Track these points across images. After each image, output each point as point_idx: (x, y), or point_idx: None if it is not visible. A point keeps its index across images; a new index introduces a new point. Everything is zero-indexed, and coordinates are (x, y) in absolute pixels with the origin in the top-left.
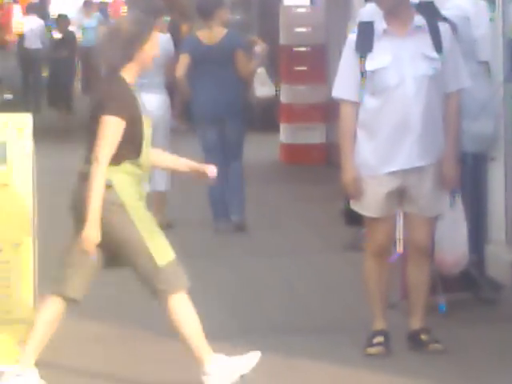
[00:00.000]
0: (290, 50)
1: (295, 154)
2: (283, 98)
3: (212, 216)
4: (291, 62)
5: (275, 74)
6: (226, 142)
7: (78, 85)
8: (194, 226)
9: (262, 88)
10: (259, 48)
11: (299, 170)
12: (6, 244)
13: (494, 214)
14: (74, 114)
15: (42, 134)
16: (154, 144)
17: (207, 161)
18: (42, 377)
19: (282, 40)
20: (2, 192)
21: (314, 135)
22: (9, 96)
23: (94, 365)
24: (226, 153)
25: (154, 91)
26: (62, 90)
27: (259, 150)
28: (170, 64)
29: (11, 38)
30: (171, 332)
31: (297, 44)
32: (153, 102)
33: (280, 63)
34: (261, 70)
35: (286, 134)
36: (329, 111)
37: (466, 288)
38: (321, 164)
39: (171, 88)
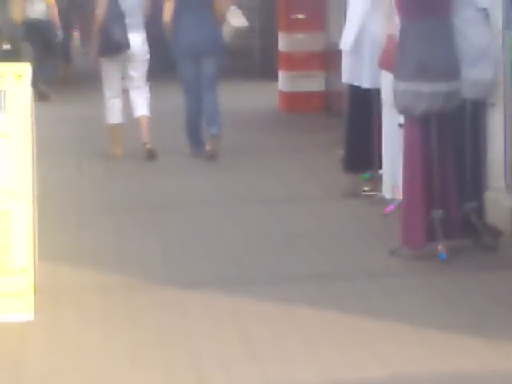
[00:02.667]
0: None
1: (294, 102)
2: (282, 47)
3: (188, 143)
4: (289, 10)
5: (273, 22)
6: (203, 76)
7: (76, 37)
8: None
9: (236, 20)
10: None
11: (298, 118)
12: (6, 194)
13: (494, 161)
14: (72, 65)
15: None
16: (137, 77)
17: (186, 92)
18: (40, 325)
19: None
20: (1, 141)
21: (313, 83)
22: (7, 46)
23: (93, 315)
24: (202, 85)
25: (136, 30)
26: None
27: (258, 98)
28: (147, 5)
29: None
30: (171, 281)
31: None
32: (135, 40)
33: (278, 11)
34: (234, 7)
35: (284, 82)
36: (328, 59)
37: (466, 235)
38: (320, 112)
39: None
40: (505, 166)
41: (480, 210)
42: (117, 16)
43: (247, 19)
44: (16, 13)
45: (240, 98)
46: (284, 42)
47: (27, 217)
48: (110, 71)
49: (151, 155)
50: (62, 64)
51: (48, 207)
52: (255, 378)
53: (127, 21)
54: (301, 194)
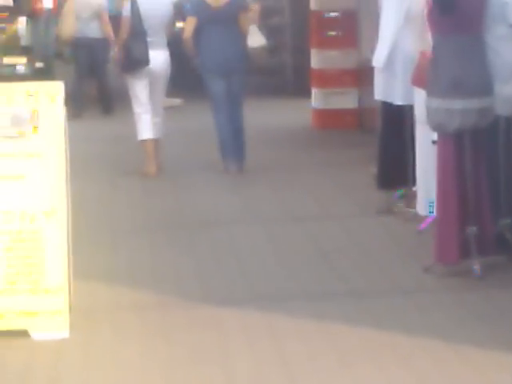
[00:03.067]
0: (320, 15)
1: (327, 120)
2: (314, 64)
3: (222, 158)
4: (322, 27)
5: (306, 39)
6: (230, 92)
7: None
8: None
9: (254, 39)
10: (253, 9)
11: (331, 135)
12: (40, 213)
13: None
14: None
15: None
16: (154, 95)
17: (216, 109)
18: (76, 343)
19: (313, 5)
20: (35, 161)
21: (346, 100)
22: (40, 64)
23: (129, 333)
24: (231, 102)
25: (159, 48)
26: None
27: (291, 115)
28: (170, 24)
29: (42, 5)
30: (206, 299)
31: (327, 9)
32: (158, 58)
33: (310, 28)
34: (253, 27)
35: (317, 99)
36: (360, 76)
37: (500, 251)
38: (353, 129)
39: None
40: None
41: None
42: (139, 34)
43: (280, 37)
44: (62, 31)
45: (273, 116)
46: (316, 59)
47: (62, 235)
48: (135, 88)
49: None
50: (93, 80)
51: (82, 226)
52: None
53: (150, 39)
54: (334, 210)
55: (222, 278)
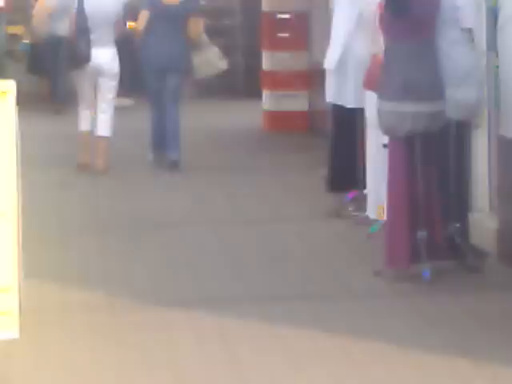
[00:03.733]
0: (272, 16)
1: (278, 122)
2: (265, 65)
3: (151, 150)
4: (273, 29)
5: (257, 40)
6: (167, 90)
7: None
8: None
9: (221, 62)
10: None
11: (282, 138)
12: None
13: (478, 182)
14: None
15: (24, 100)
16: (102, 93)
17: (151, 104)
18: (25, 344)
19: (264, 6)
20: None
21: (297, 102)
22: None
23: (79, 334)
24: (166, 99)
25: (105, 46)
26: (43, 56)
27: (242, 117)
28: (119, 23)
29: None
30: (156, 300)
31: (279, 10)
32: (103, 55)
33: (262, 30)
34: (216, 49)
35: (268, 101)
36: (311, 78)
37: (450, 256)
38: (303, 131)
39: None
40: (489, 187)
41: (464, 232)
42: (83, 31)
43: (231, 37)
44: (34, 28)
45: (223, 117)
46: (267, 61)
47: (12, 235)
48: (80, 84)
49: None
50: (44, 78)
51: (32, 225)
52: None
53: (95, 37)
54: (285, 213)
55: (172, 280)
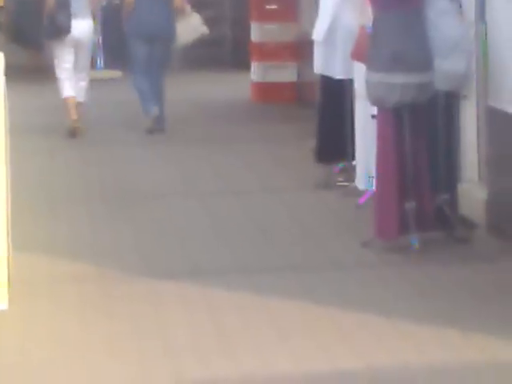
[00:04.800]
0: None
1: (266, 93)
2: (254, 37)
3: (144, 112)
4: (261, 0)
5: (245, 11)
6: (152, 58)
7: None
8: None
9: (203, 27)
10: None
11: (270, 109)
12: None
13: (467, 153)
14: (44, 53)
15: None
16: (79, 62)
17: (135, 71)
18: (14, 315)
19: None
20: None
21: (285, 74)
22: None
23: (68, 305)
24: (151, 68)
25: (82, 17)
26: (29, 26)
27: (231, 88)
28: None
29: None
30: (145, 271)
31: None
32: (81, 27)
33: (250, 1)
34: (197, 15)
35: (256, 72)
36: (300, 50)
37: (439, 227)
38: (292, 103)
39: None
40: (478, 157)
41: (453, 202)
42: (63, 4)
43: (219, 9)
44: None
45: (212, 89)
46: (256, 32)
47: (0, 207)
48: (58, 54)
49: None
50: (33, 51)
51: (22, 197)
52: (229, 369)
53: (73, 9)
54: (273, 184)
55: (160, 251)
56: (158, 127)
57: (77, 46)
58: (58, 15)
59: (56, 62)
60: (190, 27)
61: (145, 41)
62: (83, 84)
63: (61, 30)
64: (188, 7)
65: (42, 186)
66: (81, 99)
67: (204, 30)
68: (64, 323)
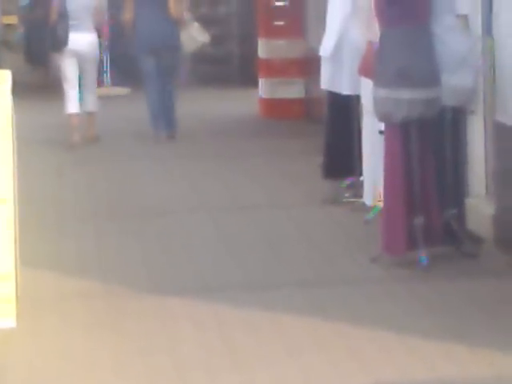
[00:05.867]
0: (268, 4)
1: (274, 109)
2: (261, 53)
3: (153, 129)
4: (269, 17)
5: (253, 28)
6: (161, 69)
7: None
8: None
9: (203, 36)
10: None
11: (278, 125)
12: None
13: (474, 168)
14: (51, 71)
15: (19, 90)
16: (85, 74)
17: (147, 83)
18: (22, 332)
19: None
20: None
21: (293, 90)
22: None
23: (76, 322)
24: (161, 78)
25: (84, 31)
26: (38, 45)
27: (238, 105)
28: (98, 10)
29: None
30: (153, 288)
31: None
32: (84, 40)
33: (258, 18)
34: (197, 24)
35: (264, 88)
36: (307, 66)
37: (447, 242)
38: (300, 118)
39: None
40: (485, 172)
41: (461, 217)
42: (62, 16)
43: (226, 26)
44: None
45: (220, 105)
46: (264, 49)
47: (9, 223)
48: (63, 66)
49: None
50: (40, 67)
51: (29, 213)
52: None
53: (75, 22)
54: (281, 200)
55: (169, 268)
56: (169, 134)
57: (80, 59)
58: (57, 28)
59: (61, 74)
60: (190, 37)
61: (151, 54)
62: (90, 96)
63: (59, 42)
64: (187, 17)
65: (49, 202)
66: (92, 109)
67: (205, 38)
68: (71, 340)
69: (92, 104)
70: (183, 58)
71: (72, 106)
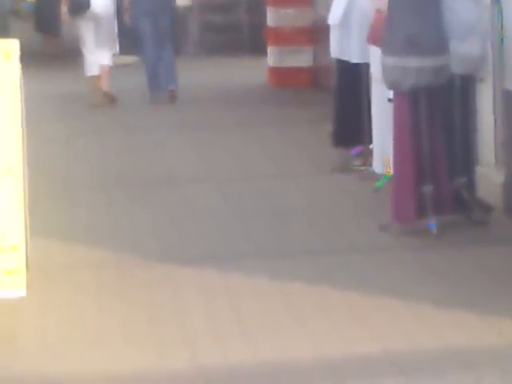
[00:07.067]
0: None
1: (283, 77)
2: (270, 22)
3: (148, 90)
4: None
5: None
6: (157, 30)
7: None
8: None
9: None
10: None
11: (287, 93)
12: None
13: (484, 136)
14: (61, 39)
15: (29, 59)
16: (101, 33)
17: (144, 46)
18: (32, 302)
19: None
20: None
21: (301, 58)
22: None
23: (86, 291)
24: (158, 40)
25: None
26: (48, 14)
27: (247, 73)
28: None
29: None
30: (163, 257)
31: None
32: (100, 2)
33: None
34: None
35: (273, 57)
36: (316, 34)
37: (456, 210)
38: (308, 87)
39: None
40: (495, 140)
41: (470, 186)
42: None
43: None
44: None
45: (228, 73)
46: (272, 17)
47: (18, 193)
48: (81, 30)
49: (109, 99)
50: (50, 36)
51: (38, 184)
52: (247, 354)
53: None
54: (290, 169)
55: (178, 237)
56: (170, 92)
57: (96, 20)
58: None
59: (81, 39)
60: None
61: (146, 16)
62: (105, 52)
63: (81, 7)
64: None
65: (59, 173)
66: (108, 62)
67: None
68: (81, 309)
69: (107, 57)
70: (185, 25)
71: (91, 69)
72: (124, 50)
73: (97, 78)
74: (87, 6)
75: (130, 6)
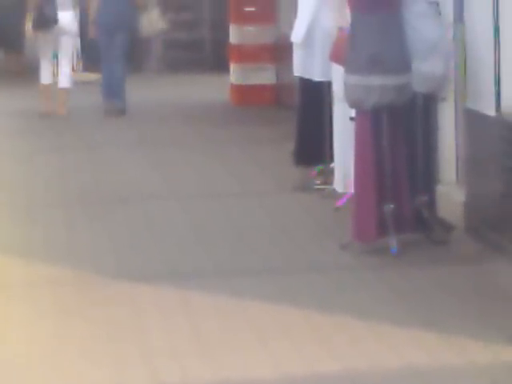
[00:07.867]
0: None
1: (245, 95)
2: (233, 39)
3: (103, 101)
4: (240, 3)
5: (224, 14)
6: (113, 46)
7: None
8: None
9: (161, 22)
10: None
11: (249, 111)
12: None
13: (445, 155)
14: (24, 56)
15: None
16: (64, 49)
17: (102, 61)
18: None
19: None
20: None
21: (264, 76)
22: None
23: (44, 308)
24: (113, 54)
25: (66, 9)
26: (11, 31)
27: (210, 91)
28: None
29: None
30: (122, 275)
31: None
32: (66, 17)
33: (229, 3)
34: (156, 10)
35: (235, 74)
36: (279, 52)
37: (417, 229)
38: (271, 105)
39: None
40: (456, 159)
41: (431, 204)
42: None
43: (198, 11)
44: None
45: (191, 91)
46: (235, 35)
47: None
48: (42, 43)
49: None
50: (12, 53)
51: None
52: (207, 373)
53: (58, 1)
54: (252, 187)
55: (137, 254)
56: (118, 108)
57: (59, 34)
58: (45, 8)
59: (40, 52)
60: (149, 21)
61: (106, 32)
62: (66, 70)
63: (49, 21)
64: (149, 2)
65: (19, 189)
66: (65, 85)
67: (162, 25)
68: (39, 326)
69: (66, 79)
70: (148, 42)
71: (45, 77)
72: (87, 66)
73: (47, 86)
74: (54, 20)
75: (95, 20)
